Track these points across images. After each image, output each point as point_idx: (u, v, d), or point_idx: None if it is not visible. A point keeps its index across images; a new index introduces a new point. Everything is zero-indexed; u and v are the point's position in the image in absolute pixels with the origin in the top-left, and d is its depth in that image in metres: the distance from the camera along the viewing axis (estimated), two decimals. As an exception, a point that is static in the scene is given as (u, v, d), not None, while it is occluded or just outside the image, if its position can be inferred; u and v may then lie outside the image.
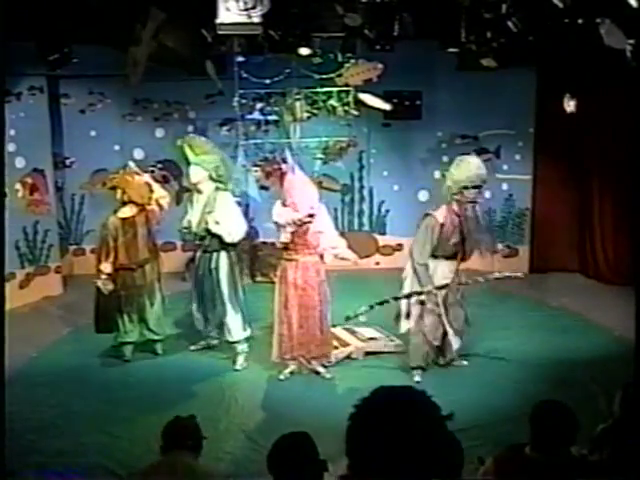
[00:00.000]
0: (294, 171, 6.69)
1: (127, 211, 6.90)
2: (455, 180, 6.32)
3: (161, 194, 7.15)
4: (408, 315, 6.51)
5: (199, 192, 6.95)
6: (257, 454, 5.27)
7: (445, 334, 6.57)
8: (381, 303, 6.62)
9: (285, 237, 6.44)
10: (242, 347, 6.99)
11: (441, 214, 6.38)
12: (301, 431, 3.36)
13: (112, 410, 6.15)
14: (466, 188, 6.28)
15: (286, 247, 6.52)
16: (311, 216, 6.41)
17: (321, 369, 6.77)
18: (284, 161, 7.02)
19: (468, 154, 6.96)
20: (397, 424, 1.73)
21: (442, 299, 6.45)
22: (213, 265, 6.91)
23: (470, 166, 6.33)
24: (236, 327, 6.95)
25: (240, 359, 6.97)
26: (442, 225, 6.34)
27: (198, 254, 7.09)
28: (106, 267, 6.79)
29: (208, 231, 6.84)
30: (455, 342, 6.63)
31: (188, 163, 7.01)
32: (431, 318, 6.47)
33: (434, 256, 6.41)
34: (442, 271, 6.44)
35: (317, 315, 6.59)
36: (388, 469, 1.72)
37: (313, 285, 6.55)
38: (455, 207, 6.37)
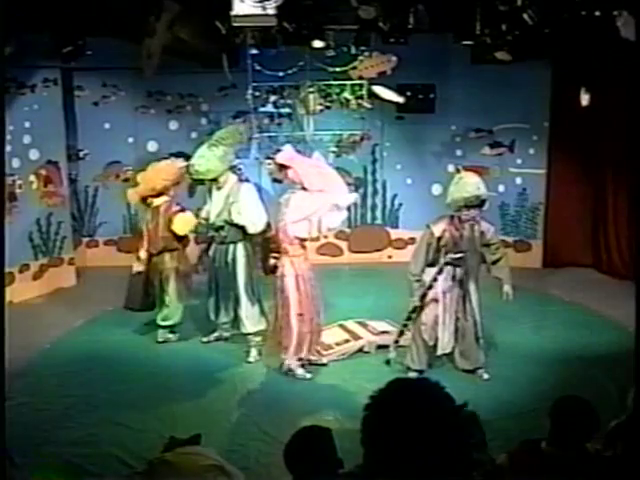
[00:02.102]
0: (317, 157, 6.84)
1: (157, 200, 7.17)
2: (453, 199, 6.28)
3: (185, 218, 7.16)
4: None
5: (221, 184, 6.95)
6: (269, 446, 5.28)
7: (456, 337, 6.51)
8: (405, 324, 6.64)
9: (342, 218, 6.65)
10: (256, 340, 6.99)
11: (439, 227, 6.32)
12: (323, 426, 3.33)
13: (124, 401, 6.18)
14: (465, 207, 6.23)
15: (288, 243, 6.47)
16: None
17: (312, 357, 6.76)
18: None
19: (472, 163, 6.81)
20: (412, 413, 1.75)
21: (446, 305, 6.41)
22: (230, 257, 6.92)
23: (467, 187, 6.22)
24: (252, 319, 6.96)
25: (254, 351, 6.98)
26: (439, 238, 6.29)
27: (213, 246, 7.08)
28: (141, 253, 7.24)
29: (227, 222, 6.85)
30: (447, 345, 6.47)
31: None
32: (430, 316, 6.42)
33: (435, 264, 6.36)
34: (452, 280, 6.38)
35: (318, 303, 6.64)
36: (403, 458, 1.73)
37: (311, 275, 6.59)
38: (456, 222, 6.30)
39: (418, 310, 6.41)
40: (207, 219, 7.06)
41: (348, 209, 9.78)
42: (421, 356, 6.51)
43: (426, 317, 6.42)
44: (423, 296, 6.36)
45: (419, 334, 6.47)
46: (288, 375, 6.60)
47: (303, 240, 6.52)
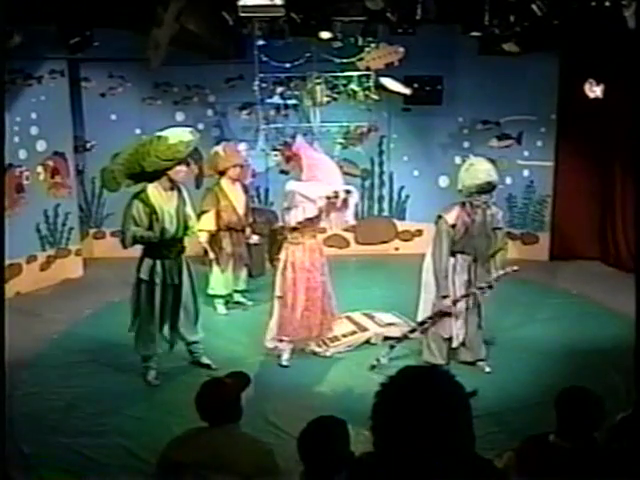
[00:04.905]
0: (318, 150, 6.74)
1: None
2: (464, 185, 6.20)
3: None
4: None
5: (178, 190, 6.25)
6: (276, 438, 5.28)
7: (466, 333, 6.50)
8: (400, 339, 6.65)
9: (311, 213, 6.35)
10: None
11: (452, 215, 6.27)
12: (339, 418, 3.32)
13: (132, 391, 6.20)
14: (477, 193, 6.17)
15: (293, 229, 6.48)
16: (347, 192, 6.47)
17: (318, 349, 6.84)
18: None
19: (479, 156, 6.68)
20: (421, 401, 1.77)
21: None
22: (185, 267, 6.33)
23: (479, 173, 6.14)
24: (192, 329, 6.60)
25: (153, 373, 6.45)
26: (453, 226, 6.25)
27: (159, 263, 6.17)
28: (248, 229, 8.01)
29: (186, 232, 6.34)
30: (461, 336, 6.46)
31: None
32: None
33: (452, 253, 6.32)
34: (460, 267, 6.37)
35: (320, 296, 6.62)
36: (412, 445, 1.75)
37: (317, 266, 6.58)
38: (468, 208, 6.25)
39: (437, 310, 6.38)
40: (158, 237, 6.06)
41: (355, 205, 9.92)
42: (441, 350, 6.48)
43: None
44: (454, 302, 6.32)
45: (435, 329, 6.45)
46: (269, 354, 6.68)
47: (306, 229, 6.49)
